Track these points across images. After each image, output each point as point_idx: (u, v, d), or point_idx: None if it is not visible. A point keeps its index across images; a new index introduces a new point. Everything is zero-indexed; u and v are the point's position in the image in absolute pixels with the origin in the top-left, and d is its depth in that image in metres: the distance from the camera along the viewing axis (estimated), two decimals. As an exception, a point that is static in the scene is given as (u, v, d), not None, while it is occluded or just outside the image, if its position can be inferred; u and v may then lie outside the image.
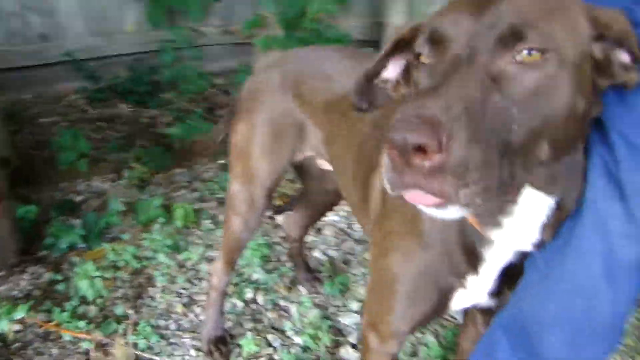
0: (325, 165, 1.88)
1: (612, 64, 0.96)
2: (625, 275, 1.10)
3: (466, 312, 1.67)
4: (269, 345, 2.22)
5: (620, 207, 1.04)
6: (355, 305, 2.43)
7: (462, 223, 1.20)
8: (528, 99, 0.85)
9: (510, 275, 1.25)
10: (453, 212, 0.82)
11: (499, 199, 0.83)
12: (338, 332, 2.30)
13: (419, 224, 1.27)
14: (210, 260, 2.65)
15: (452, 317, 2.35)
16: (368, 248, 1.52)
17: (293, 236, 2.48)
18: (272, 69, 1.86)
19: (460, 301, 1.34)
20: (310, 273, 2.55)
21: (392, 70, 1.19)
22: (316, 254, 2.77)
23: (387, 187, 0.83)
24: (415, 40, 1.03)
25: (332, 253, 2.80)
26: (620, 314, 1.17)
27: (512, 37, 0.86)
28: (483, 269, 1.24)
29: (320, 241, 2.88)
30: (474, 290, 1.30)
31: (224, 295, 2.19)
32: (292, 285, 2.55)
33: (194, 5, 4.36)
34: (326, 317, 2.35)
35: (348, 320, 2.35)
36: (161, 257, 2.60)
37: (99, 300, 2.35)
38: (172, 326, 2.27)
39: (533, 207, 1.07)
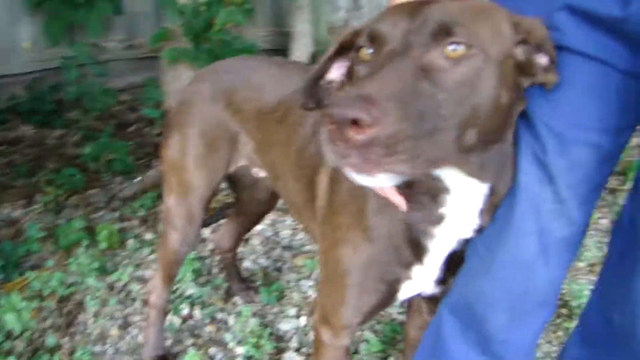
0: (260, 173, 1.92)
1: (534, 66, 1.08)
2: (557, 251, 1.23)
3: (411, 302, 1.77)
4: (212, 359, 2.22)
5: (549, 190, 1.16)
6: (292, 311, 2.48)
7: (406, 216, 1.28)
8: (454, 88, 0.95)
9: (453, 263, 1.35)
10: (381, 181, 0.90)
11: (424, 169, 0.92)
12: (279, 338, 2.34)
13: (365, 219, 1.35)
14: (141, 279, 2.61)
15: (388, 312, 2.46)
16: (318, 245, 1.57)
17: (225, 248, 2.49)
18: (202, 81, 1.88)
19: (407, 291, 1.42)
20: (244, 283, 2.57)
21: (336, 72, 1.26)
22: (247, 264, 2.80)
23: (327, 158, 0.91)
24: (355, 43, 1.12)
25: (263, 262, 2.83)
26: (555, 286, 1.31)
27: (441, 33, 0.97)
28: (428, 259, 1.32)
29: (249, 251, 2.91)
30: (420, 280, 1.38)
31: (164, 312, 2.17)
32: (228, 296, 2.56)
33: (95, 20, 4.24)
34: (265, 325, 2.38)
35: (287, 326, 2.40)
36: (90, 281, 2.52)
37: (26, 334, 2.24)
38: (110, 351, 2.22)
39: (469, 195, 1.17)
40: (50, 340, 2.21)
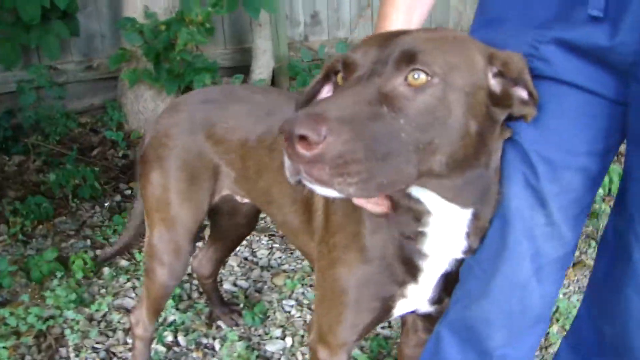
0: (244, 199, 1.91)
1: (511, 98, 1.11)
2: (550, 271, 1.29)
3: (405, 320, 1.80)
4: (201, 385, 2.20)
5: (542, 214, 1.22)
6: (277, 332, 2.48)
7: (399, 239, 1.32)
8: (414, 115, 0.98)
9: (448, 283, 1.40)
10: (333, 193, 0.94)
11: (381, 190, 0.95)
12: (266, 360, 2.34)
13: (360, 239, 1.38)
14: (120, 308, 2.56)
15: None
16: (317, 261, 1.58)
17: (205, 274, 2.46)
18: (178, 111, 1.84)
19: (402, 308, 1.46)
20: (227, 307, 2.55)
21: (325, 94, 1.30)
22: (226, 286, 2.78)
23: (286, 175, 0.95)
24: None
25: (243, 283, 2.82)
26: (548, 304, 1.37)
27: (404, 60, 1.00)
28: (422, 278, 1.37)
29: (227, 273, 2.89)
30: (415, 298, 1.42)
31: (150, 343, 2.14)
32: (210, 321, 2.54)
33: (51, 42, 4.13)
34: (252, 348, 2.37)
35: (274, 347, 2.40)
36: (68, 314, 2.45)
37: (6, 372, 2.18)
38: (95, 384, 2.17)
39: (451, 218, 1.21)
40: (32, 378, 2.15)
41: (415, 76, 0.99)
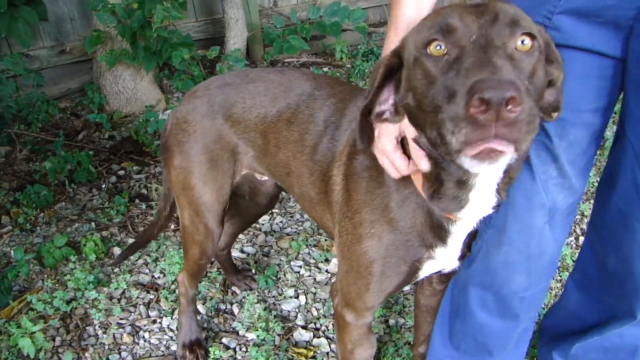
0: (263, 177, 2.01)
1: (549, 55, 1.18)
2: (560, 219, 1.44)
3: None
4: (227, 347, 2.34)
5: (554, 168, 1.36)
6: (290, 292, 2.62)
7: (429, 206, 1.37)
8: (529, 77, 1.04)
9: (470, 238, 1.48)
10: (501, 165, 0.99)
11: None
12: (285, 319, 2.48)
13: (389, 213, 1.43)
14: (137, 284, 2.66)
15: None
16: (338, 236, 1.67)
17: (221, 246, 2.56)
18: (196, 97, 1.91)
19: (428, 269, 1.52)
20: (241, 274, 2.67)
21: (385, 104, 1.26)
22: (235, 253, 2.89)
23: (457, 145, 0.95)
24: (399, 64, 1.19)
25: (249, 249, 2.94)
26: (559, 248, 1.52)
27: (513, 25, 1.04)
28: (451, 240, 1.42)
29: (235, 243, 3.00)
30: (442, 259, 1.48)
31: (194, 301, 2.29)
32: (225, 288, 2.67)
33: (21, 29, 4.08)
34: (269, 309, 2.51)
35: (289, 306, 2.54)
36: (90, 294, 2.55)
37: (41, 355, 2.27)
38: (128, 358, 2.29)
39: (493, 174, 1.26)
40: (67, 357, 2.25)
41: (525, 42, 1.04)
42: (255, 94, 1.85)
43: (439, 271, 1.57)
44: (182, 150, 1.89)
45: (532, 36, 1.05)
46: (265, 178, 2.03)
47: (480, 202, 1.28)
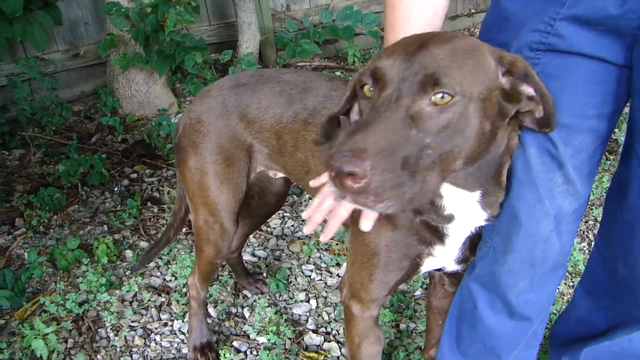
0: (278, 174, 2.01)
1: (520, 93, 1.21)
2: (567, 224, 1.43)
3: (432, 275, 1.94)
4: (238, 351, 2.34)
5: (560, 174, 1.35)
6: (301, 295, 2.62)
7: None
8: (440, 132, 1.08)
9: (472, 243, 1.53)
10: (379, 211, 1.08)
11: (412, 205, 1.08)
12: (295, 323, 2.48)
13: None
14: (149, 287, 2.67)
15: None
16: (350, 229, 1.70)
17: (232, 248, 2.57)
18: (210, 97, 1.91)
19: (429, 265, 1.59)
20: (252, 277, 2.68)
21: (355, 113, 1.38)
22: (246, 257, 2.90)
23: (332, 196, 1.08)
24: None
25: (261, 253, 2.95)
26: (566, 252, 1.51)
27: (429, 83, 1.09)
28: (448, 241, 1.49)
29: (245, 244, 3.00)
30: (442, 257, 1.55)
31: (205, 304, 2.30)
32: (236, 291, 2.67)
33: (36, 33, 4.12)
34: (280, 312, 2.51)
35: (300, 310, 2.54)
36: (102, 296, 2.56)
37: (53, 357, 2.28)
38: (140, 360, 2.30)
39: (463, 200, 1.34)
40: (79, 359, 2.26)
41: (440, 97, 1.08)
42: (271, 94, 1.85)
43: (441, 269, 1.65)
44: (197, 151, 1.89)
45: (450, 94, 1.09)
46: (279, 176, 2.03)
47: (466, 217, 1.38)
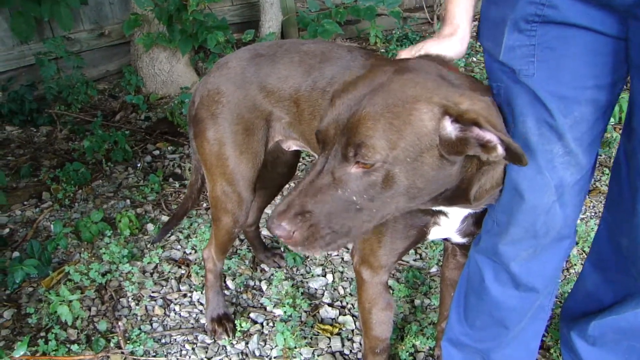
0: (292, 146, 2.04)
1: (468, 143, 1.21)
2: (570, 196, 1.44)
3: (445, 247, 1.97)
4: (255, 322, 2.39)
5: (560, 145, 1.35)
6: (318, 270, 2.66)
7: None
8: (366, 190, 1.22)
9: (476, 219, 1.59)
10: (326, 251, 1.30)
11: (344, 246, 1.26)
12: (312, 296, 2.53)
13: None
14: (169, 260, 2.74)
15: (405, 260, 2.67)
16: None
17: (250, 222, 2.62)
18: (228, 69, 1.92)
19: (435, 234, 1.65)
20: (270, 251, 2.73)
21: None
22: (264, 232, 2.95)
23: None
24: None
25: (279, 229, 2.99)
26: (570, 224, 1.52)
27: (351, 152, 1.21)
28: (451, 215, 1.56)
29: (262, 220, 3.05)
30: (446, 227, 1.61)
31: (221, 277, 2.35)
32: (254, 265, 2.73)
33: (63, 13, 4.20)
34: (297, 286, 2.56)
35: (317, 284, 2.59)
36: (124, 267, 2.64)
37: (77, 323, 2.36)
38: (159, 328, 2.37)
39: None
40: (102, 325, 2.34)
41: (363, 162, 1.20)
42: (290, 64, 1.86)
43: (447, 238, 1.71)
44: (216, 121, 1.90)
45: (370, 163, 1.20)
46: (294, 148, 2.06)
47: (456, 212, 1.53)
